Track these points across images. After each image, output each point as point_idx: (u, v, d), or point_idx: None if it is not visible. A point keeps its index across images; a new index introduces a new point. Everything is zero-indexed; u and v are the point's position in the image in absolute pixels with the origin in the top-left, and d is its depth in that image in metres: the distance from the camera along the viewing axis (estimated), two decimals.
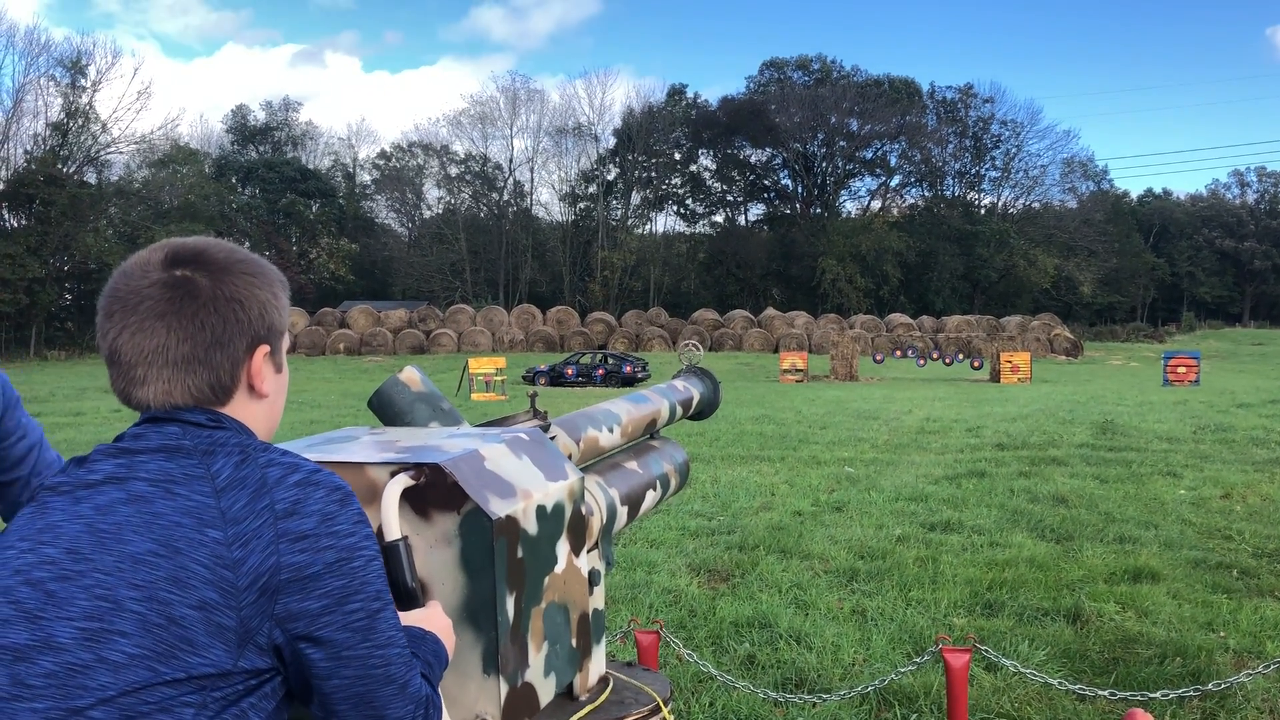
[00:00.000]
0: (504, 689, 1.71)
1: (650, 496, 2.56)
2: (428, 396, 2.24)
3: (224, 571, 1.17)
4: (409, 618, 1.47)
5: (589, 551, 2.19)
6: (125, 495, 1.21)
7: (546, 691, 1.87)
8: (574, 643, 1.98)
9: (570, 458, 2.34)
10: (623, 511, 2.39)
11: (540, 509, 1.82)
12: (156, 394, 1.30)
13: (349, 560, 1.25)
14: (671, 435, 2.84)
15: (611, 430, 2.46)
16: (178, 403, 1.30)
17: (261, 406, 1.39)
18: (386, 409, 2.22)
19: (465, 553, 1.67)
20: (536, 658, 1.82)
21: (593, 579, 2.22)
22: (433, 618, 1.52)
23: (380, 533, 1.56)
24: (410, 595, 1.53)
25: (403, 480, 1.64)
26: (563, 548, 1.92)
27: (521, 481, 1.82)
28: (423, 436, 1.93)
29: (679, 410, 2.85)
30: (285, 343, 1.44)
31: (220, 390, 1.32)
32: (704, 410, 3.05)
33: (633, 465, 2.56)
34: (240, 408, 1.36)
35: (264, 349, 1.36)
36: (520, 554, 1.74)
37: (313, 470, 1.28)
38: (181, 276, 1.30)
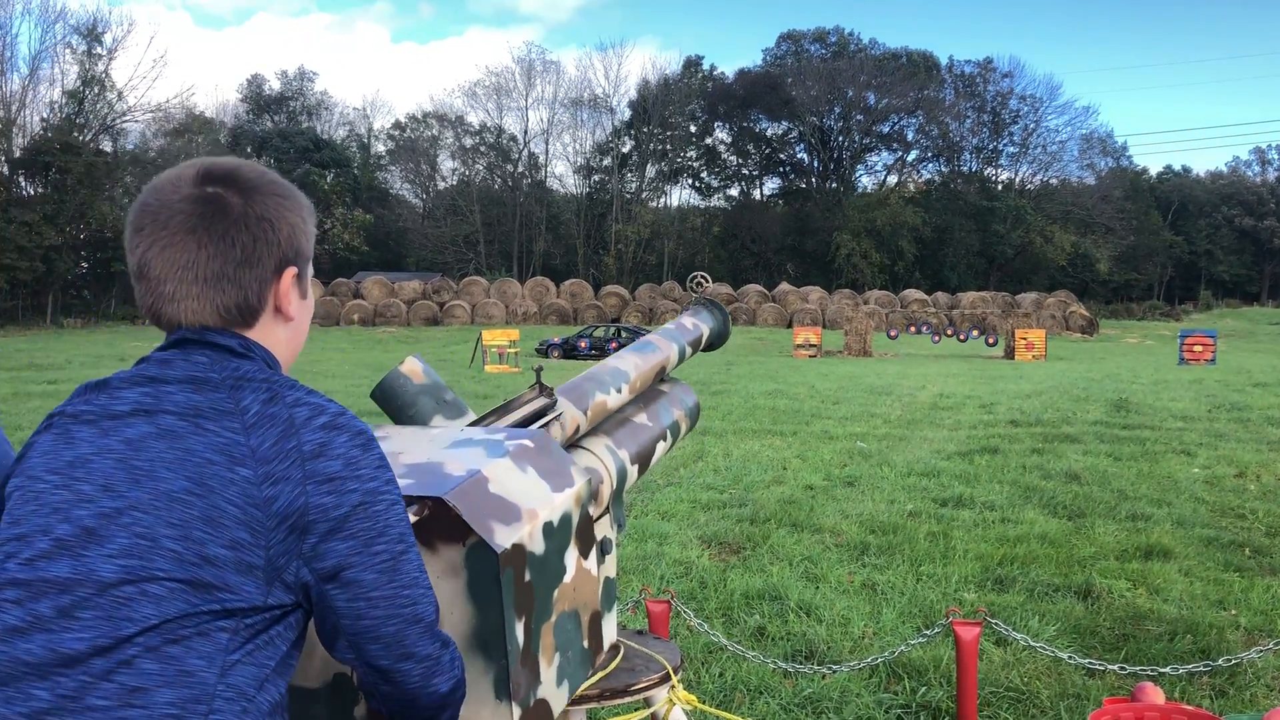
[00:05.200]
0: (517, 713, 1.70)
1: (660, 448, 2.53)
2: (430, 388, 2.23)
3: (254, 510, 1.20)
4: None
5: (599, 519, 2.19)
6: (155, 429, 1.22)
7: (559, 700, 1.87)
8: (585, 644, 1.97)
9: (578, 430, 2.33)
10: (633, 470, 2.37)
11: (547, 525, 1.79)
12: (186, 312, 1.30)
13: (373, 503, 1.27)
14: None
15: (620, 390, 2.44)
16: (207, 322, 1.30)
17: (287, 330, 1.40)
18: (390, 402, 2.22)
19: (472, 583, 1.66)
20: (548, 672, 1.81)
21: (604, 547, 2.23)
22: None
23: None
24: None
25: None
26: (571, 555, 1.89)
27: (528, 500, 1.77)
28: (425, 445, 1.88)
29: (688, 351, 2.80)
30: (310, 269, 1.45)
31: (248, 311, 1.33)
32: (714, 343, 2.98)
33: (642, 418, 2.52)
34: (266, 331, 1.36)
35: (291, 271, 1.37)
36: (528, 578, 1.72)
37: (338, 413, 1.29)
38: (213, 193, 1.30)
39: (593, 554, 2.00)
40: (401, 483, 1.68)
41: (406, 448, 1.87)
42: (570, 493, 1.89)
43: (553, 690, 1.83)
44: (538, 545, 1.75)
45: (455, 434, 1.95)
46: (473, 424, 2.17)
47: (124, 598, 1.16)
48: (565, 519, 1.86)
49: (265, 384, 1.28)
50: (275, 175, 1.38)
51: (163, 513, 1.18)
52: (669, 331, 2.80)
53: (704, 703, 3.26)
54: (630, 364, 2.54)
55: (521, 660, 1.71)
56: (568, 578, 1.87)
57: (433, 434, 1.96)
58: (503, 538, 1.65)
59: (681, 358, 2.76)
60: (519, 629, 1.70)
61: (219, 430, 1.22)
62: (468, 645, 1.67)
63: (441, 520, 1.65)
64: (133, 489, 1.19)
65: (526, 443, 1.89)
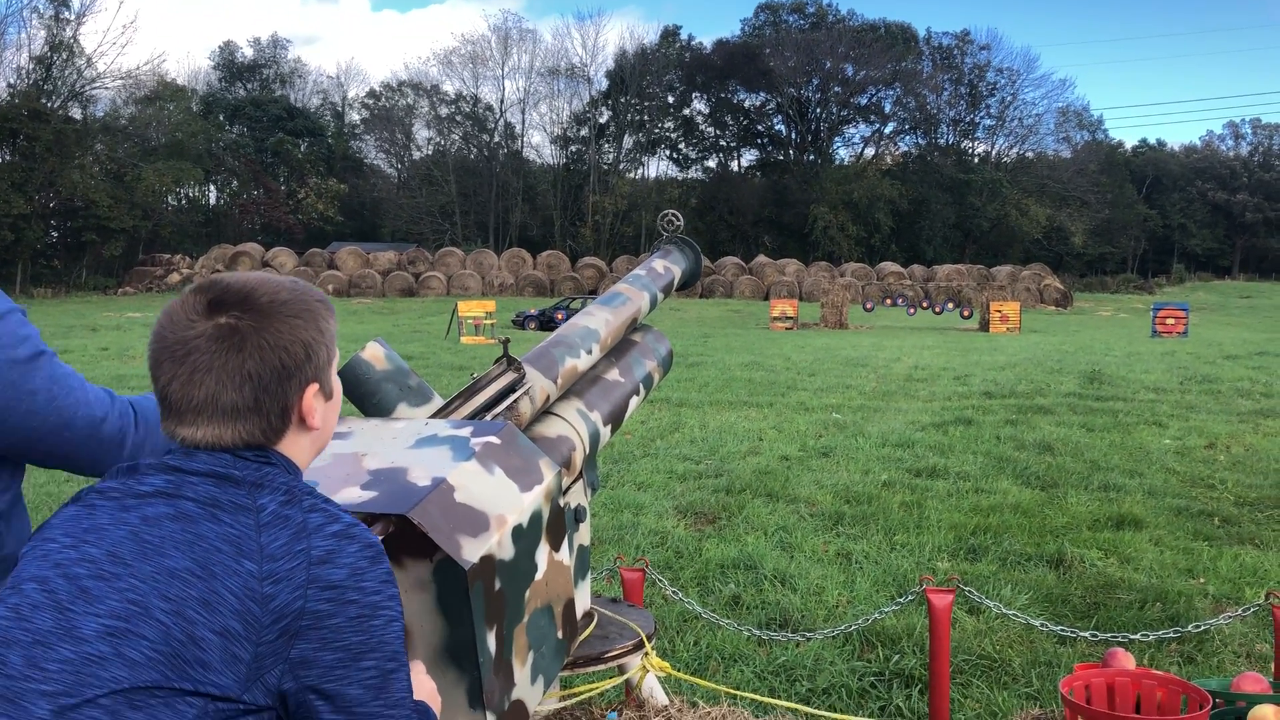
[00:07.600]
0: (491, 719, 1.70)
1: (634, 402, 2.50)
2: (394, 374, 2.19)
3: (251, 604, 1.20)
4: None
5: (571, 488, 2.17)
6: (172, 511, 1.25)
7: (535, 696, 1.85)
8: (560, 634, 1.94)
9: (549, 399, 2.30)
10: (606, 431, 2.35)
11: (517, 529, 1.75)
12: (206, 436, 1.32)
13: (370, 618, 1.26)
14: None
15: (590, 351, 2.40)
16: (227, 444, 1.32)
17: (310, 436, 1.42)
18: (353, 389, 2.18)
19: (441, 598, 1.64)
20: (522, 672, 1.79)
21: (578, 515, 2.21)
22: (417, 685, 1.52)
23: None
24: None
25: None
26: (542, 552, 1.85)
27: (496, 506, 1.73)
28: (389, 444, 1.83)
29: (660, 297, 2.75)
30: (334, 367, 1.44)
31: (271, 432, 1.35)
32: (686, 282, 2.94)
33: (614, 374, 2.49)
34: (290, 442, 1.38)
35: (313, 387, 1.38)
36: (498, 586, 1.69)
37: (351, 523, 1.31)
38: (227, 325, 1.30)
39: (564, 544, 1.95)
40: (366, 495, 1.66)
41: (370, 447, 1.82)
42: (539, 490, 1.84)
43: (527, 689, 1.82)
44: (507, 551, 1.72)
45: (420, 429, 1.89)
46: (440, 410, 2.13)
47: (97, 656, 1.15)
48: (535, 518, 1.82)
49: (284, 488, 1.30)
50: (289, 290, 1.37)
51: (161, 586, 1.19)
52: (639, 279, 2.72)
53: (678, 670, 3.26)
54: (600, 320, 2.49)
55: (495, 669, 1.69)
56: (539, 575, 1.83)
57: (396, 429, 1.91)
58: (470, 552, 1.61)
59: (654, 305, 2.71)
60: (490, 638, 1.68)
61: (233, 523, 1.24)
62: (439, 657, 1.66)
63: (408, 536, 1.62)
64: (138, 560, 1.21)
65: (493, 440, 1.83)
